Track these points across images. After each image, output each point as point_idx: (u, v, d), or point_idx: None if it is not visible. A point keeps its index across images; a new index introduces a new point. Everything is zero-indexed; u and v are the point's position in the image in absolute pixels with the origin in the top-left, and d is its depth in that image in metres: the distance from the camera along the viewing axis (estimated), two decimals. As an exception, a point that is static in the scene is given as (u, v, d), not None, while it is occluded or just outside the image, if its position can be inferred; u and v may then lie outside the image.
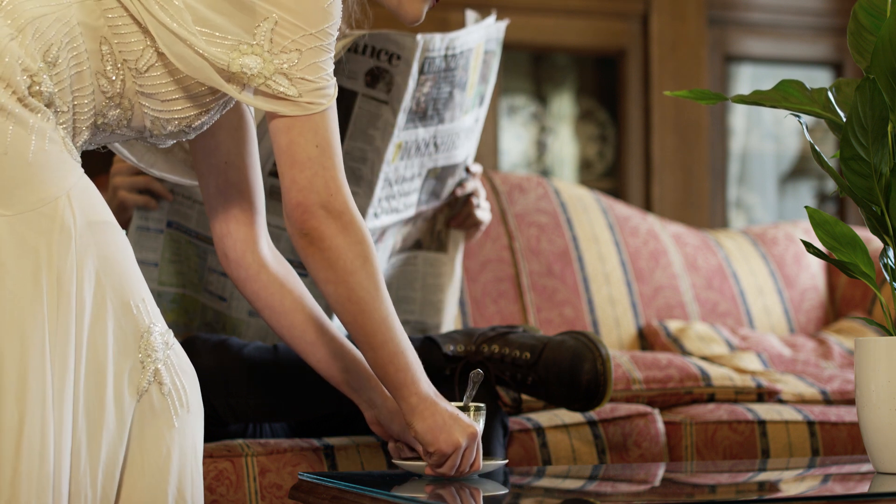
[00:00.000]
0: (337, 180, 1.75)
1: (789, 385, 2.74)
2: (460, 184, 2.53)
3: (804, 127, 1.93)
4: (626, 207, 3.29)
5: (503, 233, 3.05)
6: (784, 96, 1.93)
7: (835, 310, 3.33)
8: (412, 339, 1.95)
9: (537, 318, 2.99)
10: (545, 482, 1.99)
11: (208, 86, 1.75)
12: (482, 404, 1.94)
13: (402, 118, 2.32)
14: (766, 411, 2.58)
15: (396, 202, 2.41)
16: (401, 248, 2.52)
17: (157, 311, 1.71)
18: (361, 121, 2.32)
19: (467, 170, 2.53)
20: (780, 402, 2.69)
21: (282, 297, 1.94)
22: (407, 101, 2.31)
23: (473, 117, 2.48)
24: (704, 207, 4.84)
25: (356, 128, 2.32)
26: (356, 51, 2.30)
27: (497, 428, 2.22)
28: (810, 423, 2.56)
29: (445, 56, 2.32)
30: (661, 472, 2.08)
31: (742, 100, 1.94)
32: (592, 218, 3.17)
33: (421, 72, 2.30)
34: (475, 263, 2.99)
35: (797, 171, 5.23)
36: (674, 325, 3.05)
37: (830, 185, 5.11)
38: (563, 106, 5.04)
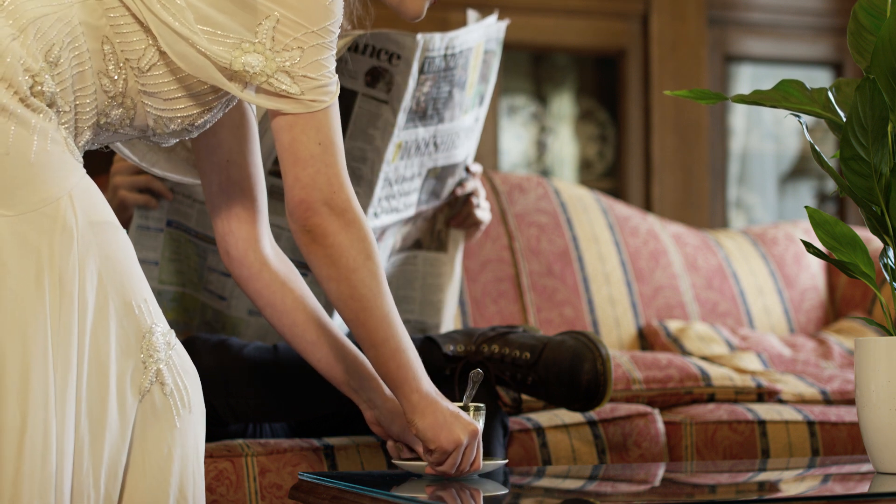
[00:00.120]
0: (340, 177, 1.76)
1: (789, 385, 2.74)
2: (460, 183, 2.53)
3: (804, 127, 1.93)
4: (626, 207, 3.29)
5: (503, 233, 3.05)
6: (784, 96, 1.93)
7: (835, 310, 3.33)
8: (412, 339, 1.95)
9: (537, 318, 2.99)
10: (545, 482, 1.99)
11: (210, 84, 1.75)
12: (482, 404, 1.94)
13: (402, 118, 2.32)
14: (766, 411, 2.58)
15: (396, 202, 2.41)
16: (400, 247, 2.52)
17: (160, 311, 1.72)
18: (361, 120, 2.32)
19: (467, 169, 2.53)
20: (780, 402, 2.69)
21: (283, 296, 1.94)
22: (407, 101, 2.31)
23: (473, 117, 2.48)
24: (704, 207, 4.84)
25: (356, 127, 2.32)
26: (356, 50, 2.30)
27: (497, 428, 2.22)
28: (810, 423, 2.56)
29: (445, 56, 2.32)
30: (661, 472, 2.08)
31: (742, 100, 1.94)
32: (592, 218, 3.17)
33: (421, 71, 2.30)
34: (475, 263, 3.00)
35: (797, 171, 5.23)
36: (674, 325, 3.05)
37: (830, 185, 5.11)
38: (563, 106, 5.04)
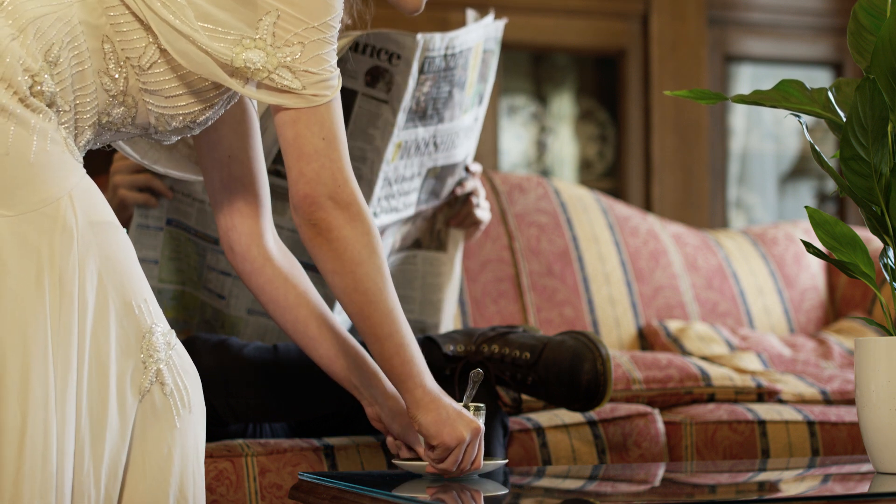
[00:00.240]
0: (344, 172, 1.76)
1: (789, 385, 2.74)
2: (460, 183, 2.53)
3: (804, 127, 1.93)
4: (626, 207, 3.29)
5: (503, 233, 3.05)
6: (784, 96, 1.93)
7: (835, 310, 3.33)
8: (412, 339, 1.95)
9: (537, 318, 2.99)
10: (545, 482, 1.99)
11: (212, 81, 1.76)
12: (482, 404, 1.94)
13: (401, 117, 2.32)
14: (766, 411, 2.58)
15: (396, 201, 2.41)
16: (400, 247, 2.52)
17: (160, 311, 1.72)
18: (361, 120, 2.32)
19: (467, 169, 2.53)
20: (780, 402, 2.69)
21: (286, 291, 1.94)
22: (407, 101, 2.31)
23: (473, 116, 2.48)
24: (704, 207, 4.84)
25: (356, 127, 2.32)
26: (356, 50, 2.30)
27: (497, 428, 2.22)
28: (810, 423, 2.56)
29: (445, 55, 2.32)
30: (661, 472, 2.08)
31: (742, 100, 1.94)
32: (592, 218, 3.17)
33: (421, 71, 2.30)
34: (475, 263, 2.99)
35: (797, 171, 5.23)
36: (674, 325, 3.05)
37: (830, 185, 5.11)
38: (563, 106, 5.04)
